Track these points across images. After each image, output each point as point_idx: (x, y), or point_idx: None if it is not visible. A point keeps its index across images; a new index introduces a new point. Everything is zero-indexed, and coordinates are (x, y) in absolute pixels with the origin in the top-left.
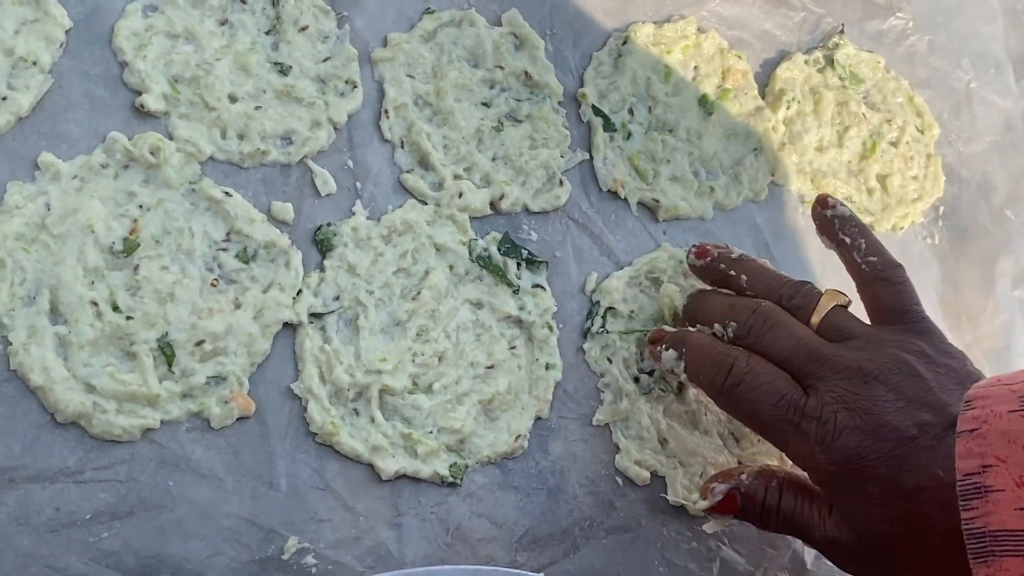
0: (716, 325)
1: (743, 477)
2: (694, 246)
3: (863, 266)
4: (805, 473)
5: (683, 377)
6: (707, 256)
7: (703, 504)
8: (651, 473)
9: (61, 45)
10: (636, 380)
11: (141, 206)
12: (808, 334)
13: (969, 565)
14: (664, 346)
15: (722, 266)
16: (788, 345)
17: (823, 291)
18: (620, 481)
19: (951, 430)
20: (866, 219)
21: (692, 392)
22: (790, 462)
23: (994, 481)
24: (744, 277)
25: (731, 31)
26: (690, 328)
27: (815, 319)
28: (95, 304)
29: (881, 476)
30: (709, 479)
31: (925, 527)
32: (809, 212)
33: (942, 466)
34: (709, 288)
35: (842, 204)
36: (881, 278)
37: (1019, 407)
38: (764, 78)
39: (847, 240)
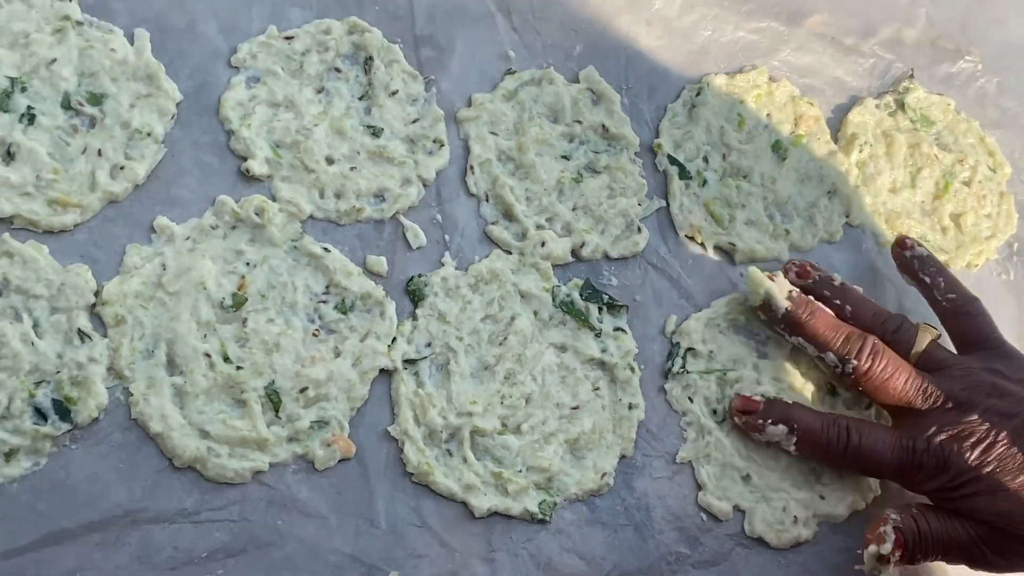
0: (830, 354)
1: (892, 515)
2: (793, 263)
3: (944, 303)
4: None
5: (792, 449)
6: (808, 278)
7: (886, 548)
8: (734, 508)
9: (172, 117)
10: (718, 418)
11: (248, 263)
12: (912, 371)
13: None
14: (769, 420)
15: (826, 292)
16: (900, 383)
17: (918, 325)
18: (704, 516)
19: None
20: (941, 257)
21: None
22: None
23: None
24: (849, 308)
25: (802, 79)
26: (786, 401)
27: (915, 351)
28: (208, 356)
29: (992, 479)
30: (869, 531)
31: None
32: (886, 252)
33: None
34: (811, 300)
35: (919, 245)
36: (962, 312)
37: None
38: (836, 123)
39: (927, 280)
